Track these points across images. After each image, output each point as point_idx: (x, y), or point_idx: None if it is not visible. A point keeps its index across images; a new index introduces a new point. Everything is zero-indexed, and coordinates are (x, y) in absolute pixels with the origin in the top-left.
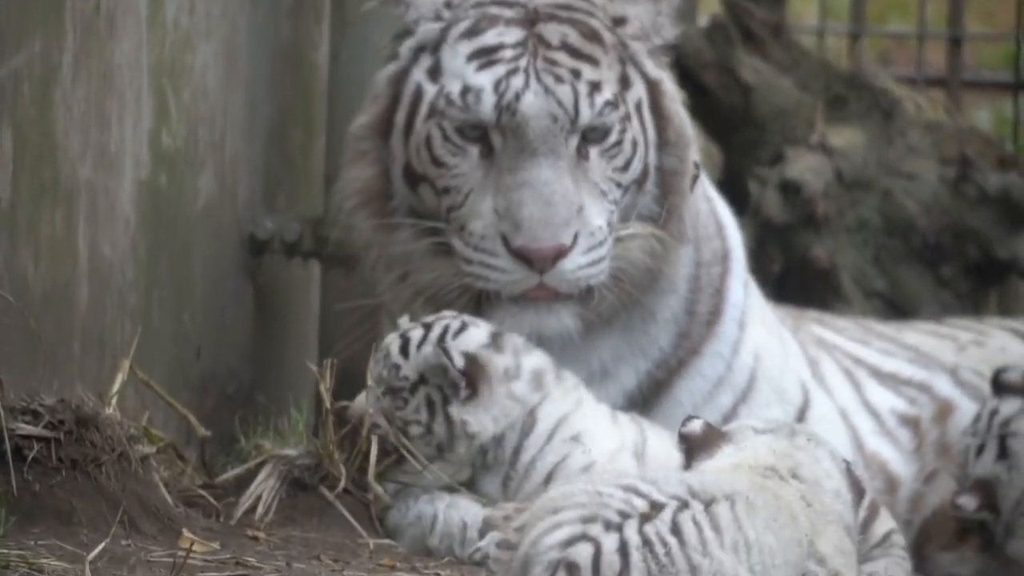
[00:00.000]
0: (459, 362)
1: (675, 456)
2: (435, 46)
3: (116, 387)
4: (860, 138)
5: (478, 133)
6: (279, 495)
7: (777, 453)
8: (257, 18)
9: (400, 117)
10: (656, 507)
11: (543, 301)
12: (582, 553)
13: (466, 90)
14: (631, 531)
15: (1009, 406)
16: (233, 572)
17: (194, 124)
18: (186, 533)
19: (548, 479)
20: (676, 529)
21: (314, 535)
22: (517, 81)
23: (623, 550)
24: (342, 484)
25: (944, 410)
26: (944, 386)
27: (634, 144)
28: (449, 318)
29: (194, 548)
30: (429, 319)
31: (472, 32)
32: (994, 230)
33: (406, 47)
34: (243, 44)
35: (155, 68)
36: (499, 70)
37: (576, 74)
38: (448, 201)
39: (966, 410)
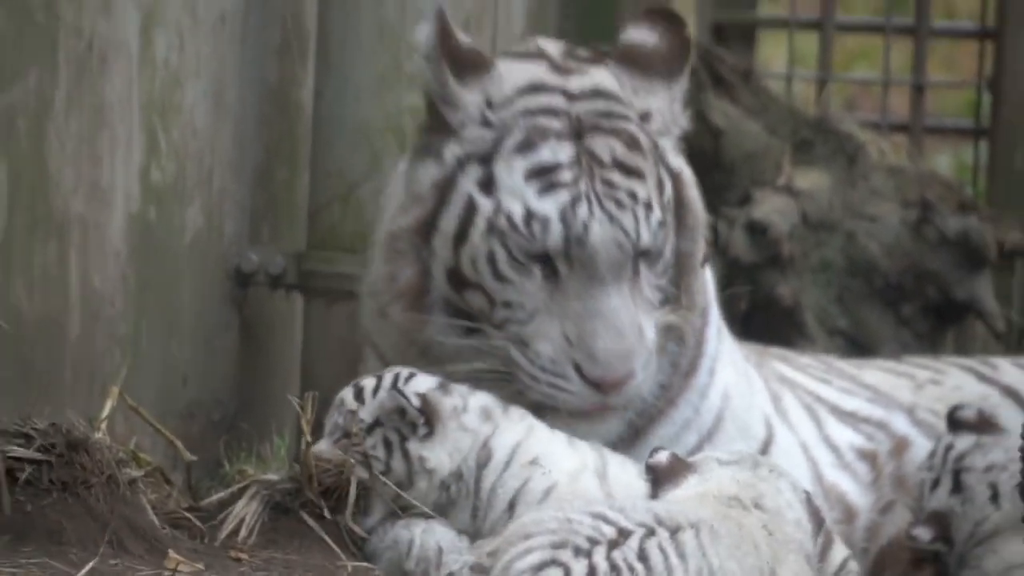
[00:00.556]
0: (415, 402)
1: (636, 480)
2: (485, 157)
3: (105, 413)
4: (825, 181)
5: (544, 258)
6: (261, 518)
7: (740, 483)
8: (245, 58)
9: (448, 224)
10: (624, 534)
11: (598, 414)
12: None
13: (530, 216)
14: (599, 557)
15: (963, 442)
16: None
17: (183, 160)
18: (172, 554)
19: (512, 504)
20: (643, 556)
21: (294, 557)
22: (583, 211)
23: (592, 575)
24: (322, 511)
25: (900, 446)
26: (901, 424)
27: (670, 250)
28: (397, 369)
29: (179, 568)
30: (379, 372)
31: (525, 146)
32: (953, 272)
33: (451, 153)
34: (231, 83)
35: (146, 105)
36: (562, 196)
37: (633, 196)
38: (506, 314)
39: (921, 446)
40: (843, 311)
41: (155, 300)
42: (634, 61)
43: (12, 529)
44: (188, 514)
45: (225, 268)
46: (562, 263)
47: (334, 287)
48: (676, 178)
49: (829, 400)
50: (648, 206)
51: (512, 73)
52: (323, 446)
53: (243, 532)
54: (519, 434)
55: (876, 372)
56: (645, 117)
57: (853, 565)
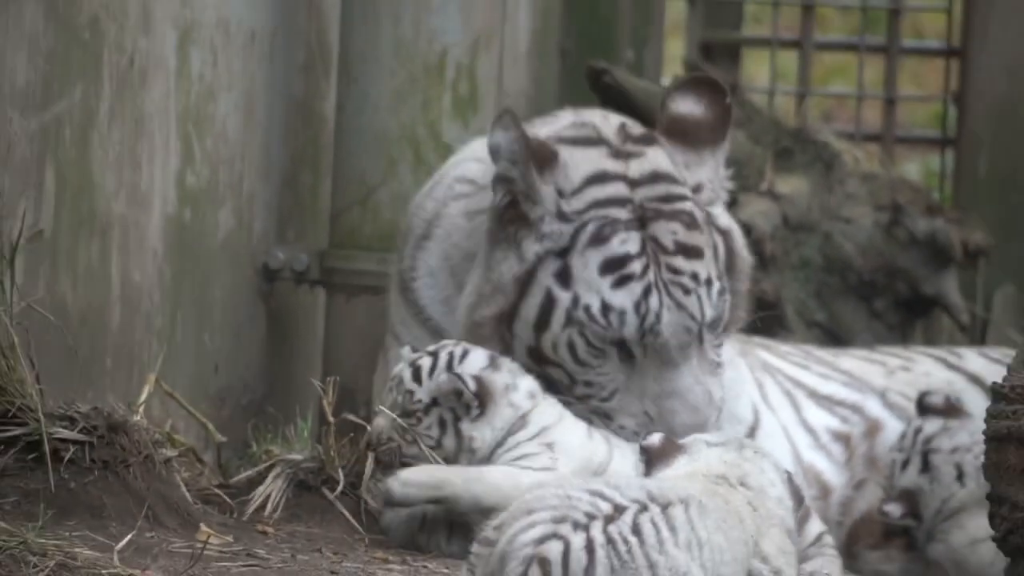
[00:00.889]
0: (472, 385)
1: (634, 473)
2: (562, 252)
3: (143, 397)
4: (804, 186)
5: (620, 343)
6: (286, 495)
7: (727, 464)
8: (273, 73)
9: (528, 312)
10: (619, 509)
11: None
12: (553, 550)
13: (606, 309)
14: (596, 531)
15: (931, 426)
16: (244, 562)
17: (216, 166)
18: (203, 527)
19: (512, 462)
20: (636, 529)
21: (316, 530)
22: (653, 301)
23: (589, 548)
24: (340, 487)
25: (873, 428)
26: (874, 407)
27: (726, 303)
28: (451, 345)
29: (210, 540)
30: (432, 348)
31: (598, 239)
32: (921, 269)
33: (531, 250)
34: (260, 96)
35: (182, 116)
36: (634, 289)
37: (695, 278)
38: (587, 391)
39: (893, 428)
40: (820, 305)
41: (189, 294)
42: (682, 134)
43: (56, 504)
44: (218, 491)
45: (254, 265)
46: (637, 348)
47: (354, 283)
48: (726, 235)
49: (807, 385)
50: (709, 282)
51: (576, 161)
52: (382, 423)
53: (269, 508)
54: (553, 417)
55: (851, 359)
56: (697, 189)
57: (828, 538)
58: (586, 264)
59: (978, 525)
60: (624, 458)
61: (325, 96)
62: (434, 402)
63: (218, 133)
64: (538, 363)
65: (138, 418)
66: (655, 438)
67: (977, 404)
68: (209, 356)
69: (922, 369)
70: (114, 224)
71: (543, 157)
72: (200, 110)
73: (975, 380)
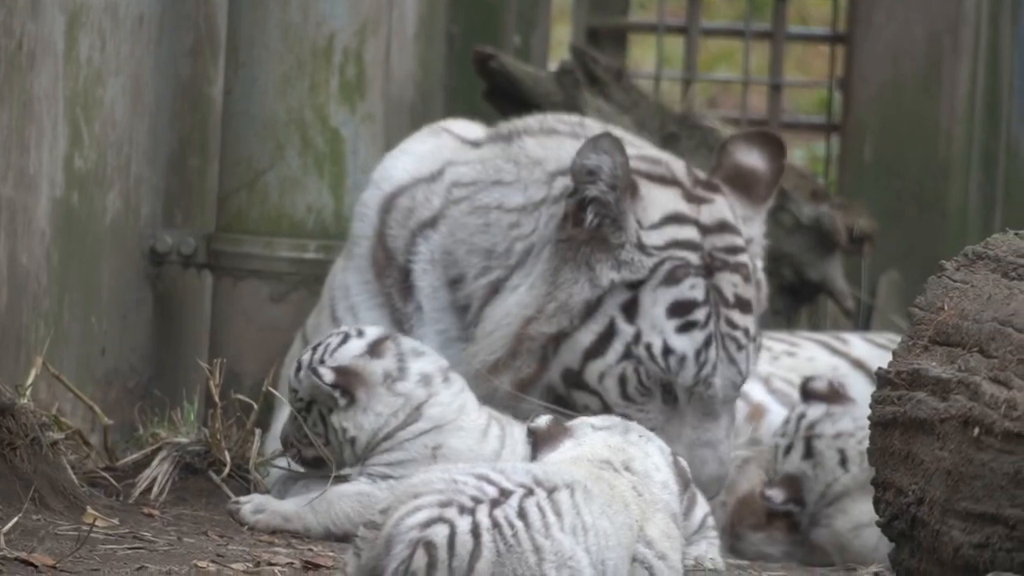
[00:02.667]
0: (328, 378)
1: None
2: (633, 284)
3: (30, 380)
4: None
5: (667, 385)
6: (172, 478)
7: (612, 448)
8: (161, 57)
9: (585, 337)
10: (505, 494)
11: None
12: (439, 533)
13: (668, 351)
14: (482, 515)
15: (815, 411)
16: (131, 545)
17: (103, 149)
18: (90, 510)
19: (384, 466)
20: (522, 513)
21: (202, 513)
22: (712, 353)
23: (475, 532)
24: (227, 470)
25: (757, 412)
26: (758, 392)
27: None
28: (333, 334)
29: (96, 523)
30: (320, 339)
31: (671, 280)
32: (806, 255)
33: (607, 277)
34: (148, 80)
35: (70, 99)
36: (697, 338)
37: (747, 334)
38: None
39: (776, 412)
40: None
41: (77, 277)
42: (743, 186)
43: None
44: (105, 474)
45: (141, 248)
46: (683, 395)
47: (241, 266)
48: (758, 289)
49: None
50: (754, 339)
51: (654, 197)
52: (278, 428)
53: (155, 490)
54: (449, 414)
55: None
56: (748, 242)
57: (711, 521)
58: (655, 302)
59: (861, 510)
60: (514, 451)
61: (213, 80)
62: (313, 399)
63: (106, 117)
64: (570, 387)
65: (25, 401)
66: (542, 421)
67: (861, 390)
68: (96, 339)
69: (807, 354)
70: (1, 207)
71: (631, 187)
72: (88, 94)
73: (859, 366)
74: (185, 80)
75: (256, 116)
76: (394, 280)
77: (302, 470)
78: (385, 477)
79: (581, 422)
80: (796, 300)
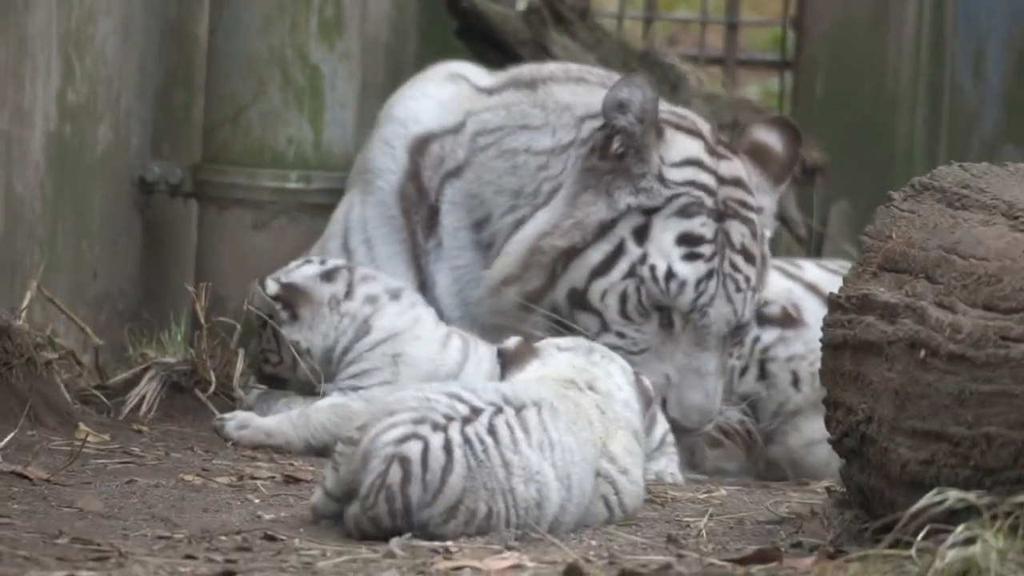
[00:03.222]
0: (271, 290)
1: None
2: (649, 212)
3: (25, 303)
4: None
5: (667, 310)
6: (160, 396)
7: (576, 368)
8: None
9: (594, 256)
10: (475, 411)
11: None
12: (413, 449)
13: (670, 275)
14: (454, 431)
15: (769, 335)
16: (121, 460)
17: (95, 85)
18: (82, 426)
19: (350, 379)
20: (492, 430)
21: (189, 430)
22: (712, 285)
23: (447, 447)
24: (212, 388)
25: None
26: None
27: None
28: (294, 262)
29: (89, 439)
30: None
31: (684, 213)
32: None
33: (624, 201)
34: (137, 18)
35: (63, 37)
36: (701, 268)
37: (748, 281)
38: (618, 342)
39: None
40: None
41: (69, 205)
42: (759, 159)
43: None
44: (96, 392)
45: (130, 178)
46: (679, 320)
47: (225, 195)
48: (764, 262)
49: None
50: (754, 290)
51: (678, 142)
52: (250, 346)
53: (144, 408)
54: (402, 324)
55: None
56: (759, 211)
57: (670, 438)
58: (666, 229)
59: (814, 428)
60: (479, 366)
61: (199, 19)
62: (270, 316)
63: (97, 53)
64: (574, 306)
65: (20, 322)
66: (511, 342)
67: (814, 313)
68: (88, 264)
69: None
70: None
71: (658, 126)
72: (80, 32)
73: (813, 289)
74: (172, 19)
75: (239, 53)
76: (421, 217)
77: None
78: (355, 388)
79: (547, 343)
80: None
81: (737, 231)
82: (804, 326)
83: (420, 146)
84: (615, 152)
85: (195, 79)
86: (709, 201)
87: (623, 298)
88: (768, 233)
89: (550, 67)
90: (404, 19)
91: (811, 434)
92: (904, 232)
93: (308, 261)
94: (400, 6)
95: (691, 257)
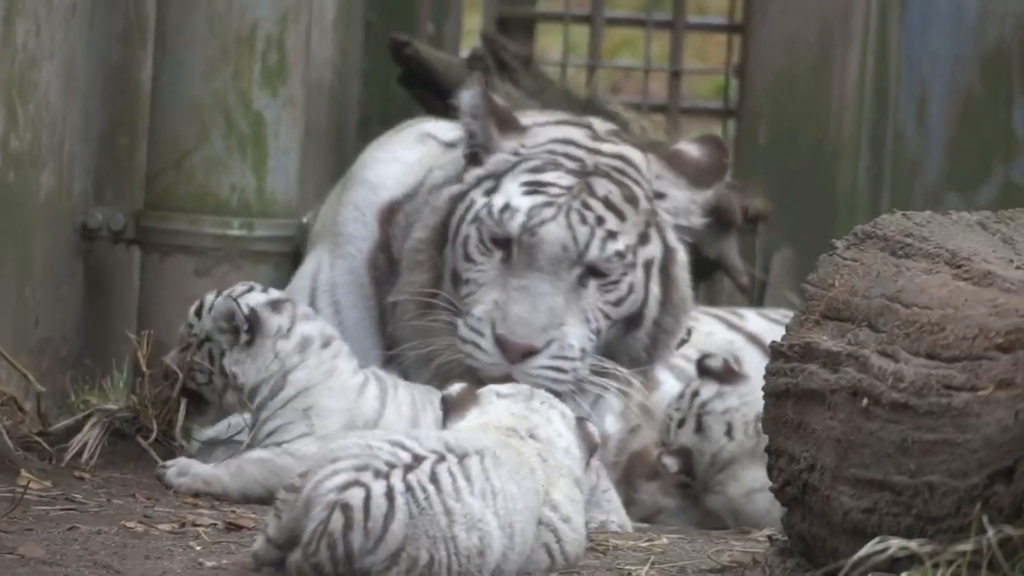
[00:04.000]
0: (246, 310)
1: (404, 424)
2: (500, 175)
3: None
4: None
5: (505, 243)
6: (102, 443)
7: (515, 416)
8: (93, 42)
9: (452, 227)
10: (418, 459)
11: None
12: (355, 496)
13: (506, 208)
14: (396, 479)
15: (708, 391)
16: (63, 506)
17: (38, 130)
18: (24, 473)
19: (267, 436)
20: (434, 478)
21: (131, 476)
22: (547, 212)
23: (389, 495)
24: (154, 435)
25: (651, 384)
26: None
27: (631, 287)
28: (241, 285)
29: (30, 485)
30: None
31: (535, 170)
32: (704, 234)
33: (472, 174)
34: (81, 64)
35: (6, 83)
36: (538, 199)
37: (600, 221)
38: (466, 290)
39: (671, 385)
40: None
41: (12, 251)
42: (671, 160)
43: None
44: (38, 438)
45: (73, 224)
46: (516, 248)
47: (168, 242)
48: (669, 252)
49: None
50: (611, 234)
51: (548, 131)
52: (170, 355)
53: (86, 455)
54: (317, 376)
55: None
56: (659, 196)
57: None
58: (513, 181)
59: (753, 476)
60: (398, 411)
61: (142, 64)
62: (208, 337)
63: (40, 99)
64: (454, 284)
65: None
66: (454, 388)
67: (756, 363)
68: (30, 310)
69: (705, 329)
70: None
71: (506, 120)
72: (24, 77)
73: (754, 340)
74: (116, 64)
75: (183, 99)
76: (390, 285)
77: (232, 437)
78: (277, 444)
79: (488, 390)
80: (694, 277)
81: (603, 186)
82: (745, 379)
83: (388, 215)
84: (469, 154)
85: (139, 125)
86: (570, 163)
87: (466, 242)
88: (670, 220)
89: None
90: (348, 65)
91: (750, 483)
92: (847, 280)
93: (251, 287)
94: (344, 52)
95: (531, 193)
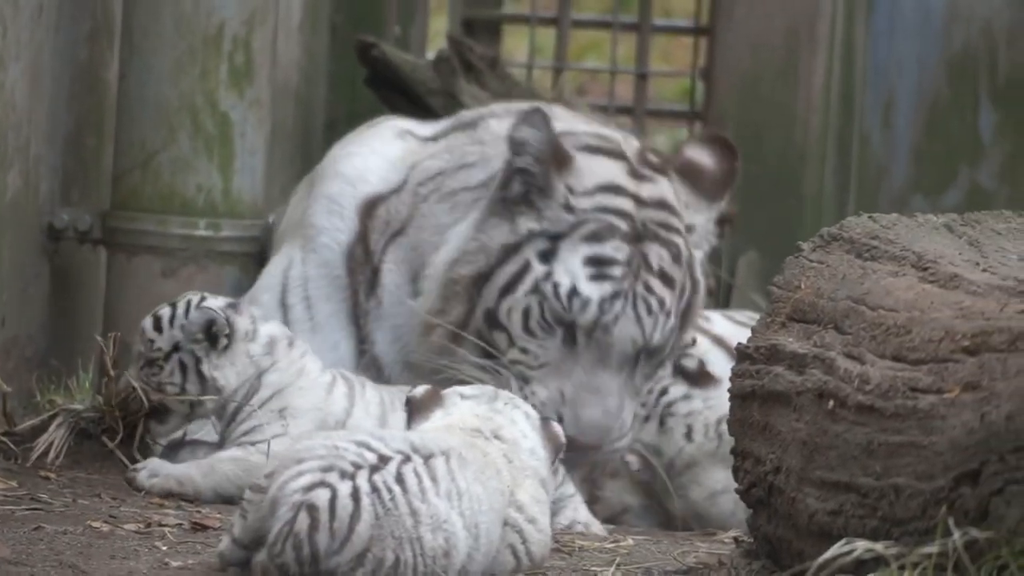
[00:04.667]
0: (223, 315)
1: (372, 424)
2: (555, 236)
3: None
4: None
5: (570, 327)
6: (68, 443)
7: (480, 417)
8: (59, 43)
9: (501, 277)
10: (384, 460)
11: None
12: (321, 497)
13: (574, 292)
14: (362, 480)
15: (676, 390)
16: (28, 506)
17: (4, 131)
18: None
19: (243, 436)
20: (400, 479)
21: (96, 476)
22: (619, 305)
23: (355, 495)
24: (120, 436)
25: None
26: None
27: (671, 345)
28: (190, 294)
29: None
30: (171, 301)
31: (594, 238)
32: None
33: (525, 225)
34: (47, 64)
35: None
36: (606, 288)
37: (662, 304)
38: (521, 357)
39: None
40: None
41: None
42: (690, 176)
43: None
44: (3, 438)
45: (39, 224)
46: (582, 338)
47: (134, 242)
48: (694, 287)
49: None
50: (669, 315)
51: (592, 168)
52: (130, 374)
53: (52, 454)
54: (287, 378)
55: None
56: (689, 229)
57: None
58: (573, 251)
59: (715, 479)
60: (367, 410)
61: (109, 65)
62: (175, 348)
63: (6, 100)
64: (489, 326)
65: None
66: (419, 390)
67: (722, 365)
68: None
69: None
70: None
71: (561, 157)
72: None
73: (720, 342)
74: (82, 64)
75: (149, 100)
76: (365, 277)
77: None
78: (252, 443)
79: (452, 391)
80: None
81: (655, 253)
82: (715, 384)
83: (368, 208)
84: (518, 191)
85: (105, 125)
86: (624, 225)
87: (526, 313)
88: (699, 254)
89: (492, 106)
90: (314, 67)
91: (712, 485)
92: (813, 283)
93: (203, 296)
94: (310, 53)
95: (598, 277)
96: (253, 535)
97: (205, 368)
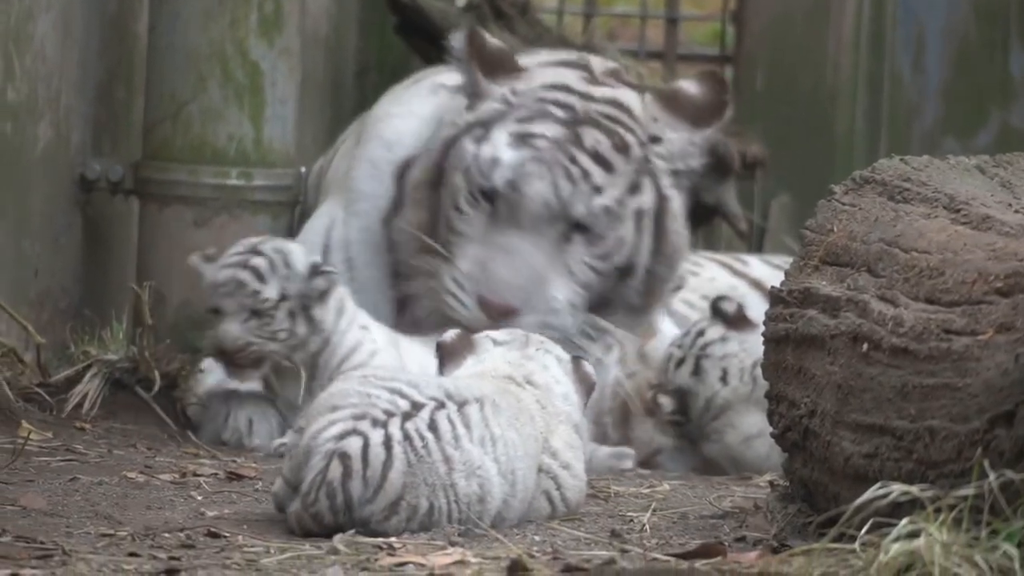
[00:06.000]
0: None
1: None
2: (489, 122)
3: None
4: None
5: (491, 196)
6: (103, 393)
7: (512, 364)
8: None
9: (446, 172)
10: (416, 407)
11: None
12: (353, 445)
13: (494, 161)
14: (395, 427)
15: (713, 332)
16: (64, 457)
17: (35, 83)
18: (24, 424)
19: (346, 357)
20: (433, 426)
21: (131, 427)
22: (532, 167)
23: (387, 443)
24: (156, 387)
25: (650, 331)
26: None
27: (619, 241)
28: (263, 240)
29: (31, 436)
30: (248, 247)
31: (524, 120)
32: (702, 179)
33: (463, 119)
34: (77, 16)
35: (3, 35)
36: (525, 153)
37: (586, 175)
38: (452, 238)
39: (667, 332)
40: None
41: (10, 203)
42: (669, 100)
43: None
44: (39, 390)
45: (71, 175)
46: (502, 205)
47: (166, 192)
48: (662, 201)
49: None
50: (597, 189)
51: (545, 74)
52: (234, 329)
53: (87, 405)
54: (360, 334)
55: None
56: (654, 139)
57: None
58: (502, 131)
59: (749, 423)
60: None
61: (139, 15)
62: (283, 297)
63: (37, 51)
64: (448, 229)
65: None
66: (449, 335)
67: (759, 309)
68: (29, 262)
69: (708, 275)
70: None
71: (496, 63)
72: (20, 30)
73: (758, 286)
74: (112, 15)
75: (179, 50)
76: (404, 242)
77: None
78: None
79: (484, 336)
80: (692, 223)
81: (592, 136)
82: (752, 328)
83: (403, 171)
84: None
85: (135, 76)
86: (561, 112)
87: (455, 191)
88: (668, 176)
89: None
90: (344, 15)
91: (747, 429)
92: (846, 226)
93: (276, 240)
94: (339, 2)
95: (517, 145)
96: (292, 482)
97: (316, 312)
